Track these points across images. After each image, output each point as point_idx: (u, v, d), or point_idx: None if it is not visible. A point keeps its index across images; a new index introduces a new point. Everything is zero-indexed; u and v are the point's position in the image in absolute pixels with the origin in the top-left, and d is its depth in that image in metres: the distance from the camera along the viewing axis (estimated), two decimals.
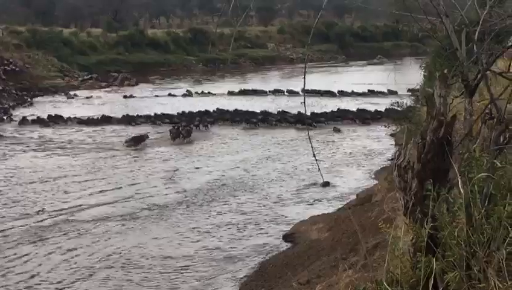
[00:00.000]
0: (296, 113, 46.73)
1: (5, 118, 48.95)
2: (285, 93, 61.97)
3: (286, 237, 22.76)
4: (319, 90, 60.23)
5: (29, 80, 68.31)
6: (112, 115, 48.63)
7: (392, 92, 54.32)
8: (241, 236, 23.09)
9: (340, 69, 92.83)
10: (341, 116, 47.22)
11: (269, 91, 63.78)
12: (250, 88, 65.29)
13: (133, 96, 62.38)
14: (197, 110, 50.12)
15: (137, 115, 48.64)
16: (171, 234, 23.17)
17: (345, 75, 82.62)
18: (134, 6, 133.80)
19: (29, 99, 59.81)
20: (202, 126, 44.74)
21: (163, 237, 22.95)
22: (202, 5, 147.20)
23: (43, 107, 56.37)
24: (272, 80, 77.88)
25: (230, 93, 63.07)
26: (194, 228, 23.90)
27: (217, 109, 50.62)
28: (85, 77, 75.03)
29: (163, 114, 48.78)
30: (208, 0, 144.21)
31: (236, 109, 50.13)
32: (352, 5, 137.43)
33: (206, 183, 30.23)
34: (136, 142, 39.21)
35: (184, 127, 42.67)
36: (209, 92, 63.81)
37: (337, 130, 43.60)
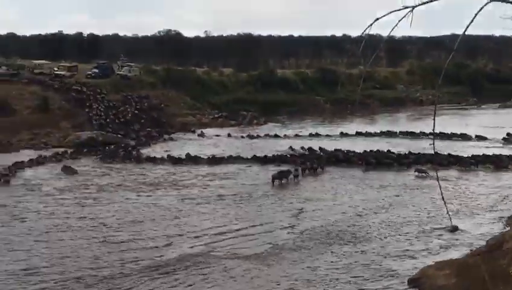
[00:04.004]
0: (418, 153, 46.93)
1: (133, 153, 51.05)
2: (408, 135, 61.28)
3: (412, 282, 22.35)
4: (448, 133, 58.64)
5: (163, 117, 70.65)
6: (237, 154, 49.67)
7: None
8: (364, 280, 22.87)
9: (473, 112, 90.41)
10: (474, 160, 45.85)
11: (399, 132, 63.16)
12: (378, 130, 64.54)
13: (258, 136, 62.70)
14: (315, 150, 51.27)
15: (254, 156, 49.08)
16: (282, 279, 23.08)
17: (476, 117, 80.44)
18: (264, 47, 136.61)
19: (162, 136, 61.85)
20: (319, 167, 44.75)
21: (275, 281, 22.94)
22: (331, 46, 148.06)
23: (176, 144, 58.24)
24: (400, 121, 76.93)
25: (359, 133, 62.74)
26: (312, 271, 23.87)
27: (334, 149, 51.06)
28: (215, 115, 76.57)
29: (275, 155, 49.28)
30: (338, 40, 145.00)
31: (350, 151, 50.10)
32: (486, 46, 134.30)
33: (327, 225, 30.17)
34: (281, 177, 40.42)
35: (307, 168, 43.63)
36: (337, 133, 63.46)
37: (467, 173, 42.50)
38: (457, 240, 27.77)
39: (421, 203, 34.67)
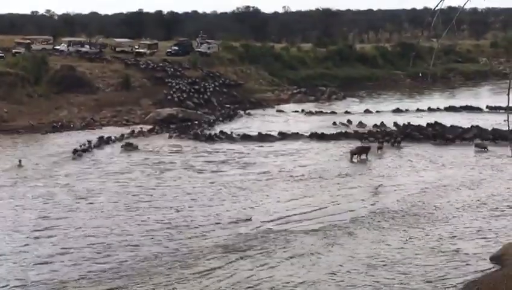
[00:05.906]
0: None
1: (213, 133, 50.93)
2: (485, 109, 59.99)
3: (494, 259, 21.99)
4: None
5: (241, 93, 70.91)
6: (311, 130, 49.56)
7: None
8: (442, 255, 22.77)
9: None
10: None
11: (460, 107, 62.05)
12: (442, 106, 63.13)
13: (335, 112, 61.69)
14: (386, 126, 50.97)
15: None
16: (348, 260, 23.03)
17: None
18: (343, 21, 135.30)
19: (240, 113, 62.12)
20: (394, 142, 44.47)
21: (340, 262, 22.94)
22: (412, 19, 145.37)
23: (254, 120, 58.57)
24: (483, 96, 75.02)
25: (419, 110, 61.80)
26: (382, 250, 23.82)
27: (408, 123, 50.72)
28: (294, 91, 76.29)
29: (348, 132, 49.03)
30: (418, 13, 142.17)
31: (420, 126, 49.72)
32: None
33: (402, 204, 30.00)
34: (360, 153, 40.50)
35: (388, 141, 44.03)
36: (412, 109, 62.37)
37: None
38: None
39: (491, 182, 33.97)
